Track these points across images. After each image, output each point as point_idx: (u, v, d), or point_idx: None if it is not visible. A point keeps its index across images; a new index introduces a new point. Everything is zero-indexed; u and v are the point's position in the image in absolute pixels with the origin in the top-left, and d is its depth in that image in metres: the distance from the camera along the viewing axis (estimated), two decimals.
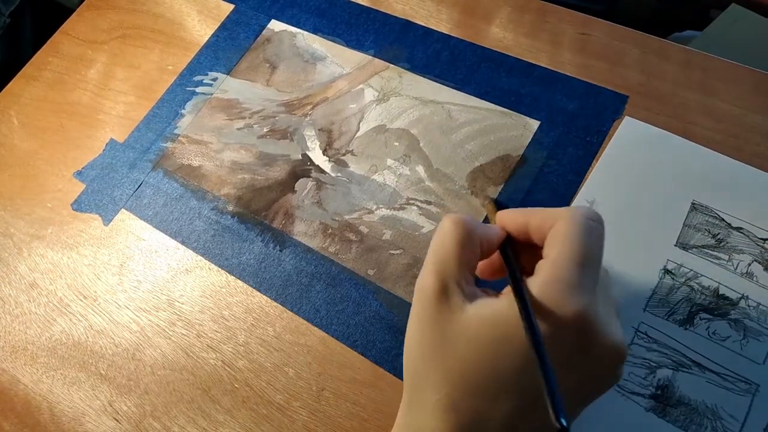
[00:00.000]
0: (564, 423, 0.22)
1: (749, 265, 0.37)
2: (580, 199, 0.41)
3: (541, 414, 0.25)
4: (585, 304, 0.26)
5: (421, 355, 0.29)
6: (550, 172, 0.42)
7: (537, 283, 0.27)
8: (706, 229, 0.38)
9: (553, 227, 0.28)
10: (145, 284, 0.46)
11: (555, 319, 0.26)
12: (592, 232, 0.27)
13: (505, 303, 0.27)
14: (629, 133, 0.42)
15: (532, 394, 0.26)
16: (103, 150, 0.53)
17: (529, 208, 0.31)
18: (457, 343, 0.27)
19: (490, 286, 0.30)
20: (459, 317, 0.27)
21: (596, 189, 0.41)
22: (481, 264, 0.32)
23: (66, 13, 0.62)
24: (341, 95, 0.50)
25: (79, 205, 0.51)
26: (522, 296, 0.26)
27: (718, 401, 0.34)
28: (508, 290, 0.27)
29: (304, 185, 0.47)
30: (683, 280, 0.37)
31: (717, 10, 0.66)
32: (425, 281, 0.29)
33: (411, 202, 0.44)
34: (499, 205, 0.34)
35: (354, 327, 0.41)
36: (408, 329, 0.30)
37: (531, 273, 0.28)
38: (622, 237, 0.39)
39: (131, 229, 0.49)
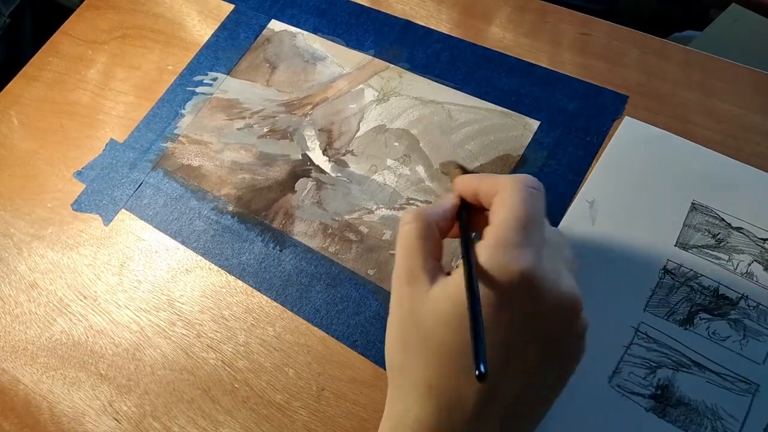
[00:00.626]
0: (483, 369, 0.24)
1: (749, 265, 0.37)
2: (580, 199, 0.41)
3: (513, 383, 0.28)
4: (529, 262, 0.27)
5: (400, 343, 0.30)
6: (550, 172, 0.42)
7: (483, 248, 0.28)
8: (706, 229, 0.38)
9: (496, 195, 0.30)
10: (145, 284, 0.46)
11: (502, 281, 0.27)
12: (532, 197, 0.29)
13: (456, 278, 0.28)
14: (629, 133, 0.42)
15: (499, 361, 0.27)
16: (103, 150, 0.53)
17: (481, 174, 0.33)
18: (427, 325, 0.28)
19: None
20: (426, 300, 0.29)
21: (596, 189, 0.41)
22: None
23: (66, 13, 0.62)
24: (341, 95, 0.50)
25: (79, 205, 0.51)
26: (467, 253, 0.29)
27: (718, 401, 0.34)
28: (460, 266, 0.29)
29: (304, 185, 0.47)
30: (683, 280, 0.37)
31: (717, 10, 0.66)
32: (398, 274, 0.31)
33: (411, 202, 0.44)
34: (464, 170, 0.37)
35: (354, 327, 0.41)
36: (388, 322, 0.31)
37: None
38: (622, 237, 0.39)
39: (131, 229, 0.49)
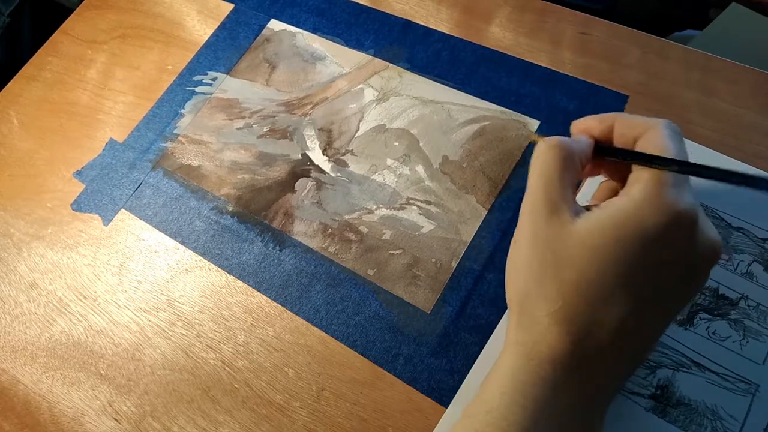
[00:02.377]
0: None
1: (749, 265, 0.37)
2: (580, 199, 0.41)
3: (650, 317, 0.29)
4: (691, 202, 0.28)
5: (532, 272, 0.30)
6: None
7: (643, 184, 0.28)
8: None
9: (642, 137, 0.30)
10: (145, 284, 0.46)
11: (666, 217, 0.27)
12: (679, 140, 0.29)
13: (610, 211, 0.28)
14: None
15: (642, 295, 0.28)
16: (103, 150, 0.53)
17: (604, 115, 0.33)
18: (570, 255, 0.28)
19: None
20: (570, 231, 0.29)
21: (596, 189, 0.41)
22: None
23: (66, 13, 0.62)
24: (341, 95, 0.50)
25: (78, 205, 0.51)
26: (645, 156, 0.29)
27: (718, 401, 0.34)
28: (607, 202, 0.29)
29: (304, 185, 0.47)
30: None
31: (717, 10, 0.66)
32: (535, 203, 0.30)
33: (411, 202, 0.44)
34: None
35: (354, 327, 0.41)
36: (515, 252, 0.31)
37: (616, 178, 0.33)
38: None
39: (131, 229, 0.49)
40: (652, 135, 0.30)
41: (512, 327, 0.31)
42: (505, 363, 0.30)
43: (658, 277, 0.28)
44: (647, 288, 0.28)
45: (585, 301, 0.28)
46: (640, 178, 0.29)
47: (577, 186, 0.32)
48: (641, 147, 0.30)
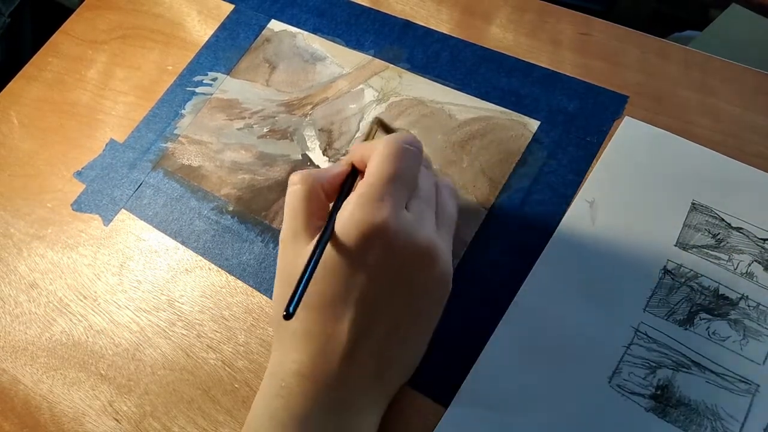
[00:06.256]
0: (291, 310, 0.27)
1: (749, 265, 0.37)
2: (580, 199, 0.41)
3: (379, 327, 0.31)
4: (383, 216, 0.30)
5: (280, 297, 0.34)
6: (550, 172, 0.42)
7: (346, 205, 0.31)
8: (706, 229, 0.38)
9: (372, 155, 0.33)
10: (145, 284, 0.46)
11: (359, 234, 0.30)
12: (401, 153, 0.32)
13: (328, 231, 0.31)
14: (629, 133, 0.42)
15: (364, 311, 0.31)
16: (103, 150, 0.53)
17: (374, 141, 0.35)
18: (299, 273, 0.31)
19: None
20: (303, 255, 0.32)
21: (596, 189, 0.41)
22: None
23: (66, 13, 0.62)
24: (341, 95, 0.50)
25: (79, 206, 0.51)
26: (332, 212, 0.33)
27: (718, 401, 0.34)
28: None
29: None
30: (683, 280, 0.37)
31: (717, 10, 0.66)
32: (282, 233, 0.34)
33: None
34: (385, 127, 0.42)
35: None
36: (276, 276, 0.35)
37: None
38: (622, 237, 0.39)
39: (131, 230, 0.49)
40: (375, 154, 0.32)
41: (273, 343, 0.34)
42: (264, 381, 0.34)
43: (375, 289, 0.31)
44: (367, 300, 0.31)
45: (321, 319, 0.31)
46: (356, 189, 0.32)
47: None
48: (367, 166, 0.32)
